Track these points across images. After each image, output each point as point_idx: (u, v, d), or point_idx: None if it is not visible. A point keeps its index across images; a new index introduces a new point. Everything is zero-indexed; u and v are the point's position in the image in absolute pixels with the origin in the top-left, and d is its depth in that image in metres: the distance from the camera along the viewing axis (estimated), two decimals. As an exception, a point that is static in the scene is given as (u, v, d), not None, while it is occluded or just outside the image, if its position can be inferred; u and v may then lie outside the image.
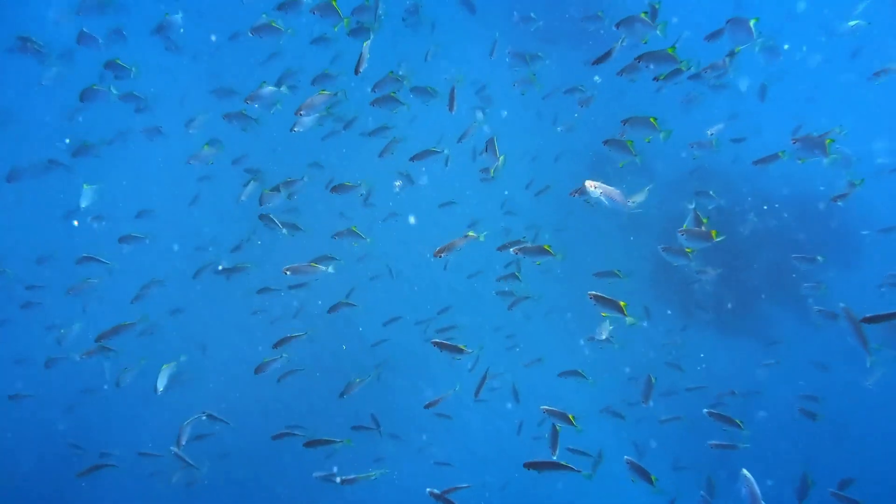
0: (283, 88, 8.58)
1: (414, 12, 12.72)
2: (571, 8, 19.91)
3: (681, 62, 6.98)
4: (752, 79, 17.71)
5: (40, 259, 13.48)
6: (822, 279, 14.04)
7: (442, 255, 6.81)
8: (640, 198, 7.11)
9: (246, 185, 11.70)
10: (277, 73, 12.15)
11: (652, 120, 6.75)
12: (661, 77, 7.33)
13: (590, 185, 6.26)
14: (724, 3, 21.25)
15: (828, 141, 6.78)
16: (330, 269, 8.36)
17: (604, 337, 8.29)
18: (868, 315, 5.11)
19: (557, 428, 7.23)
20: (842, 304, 6.86)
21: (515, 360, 16.72)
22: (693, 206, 6.41)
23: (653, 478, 6.59)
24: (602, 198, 6.24)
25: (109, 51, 11.09)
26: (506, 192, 16.16)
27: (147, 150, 16.39)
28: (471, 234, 7.13)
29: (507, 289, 11.93)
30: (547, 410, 7.92)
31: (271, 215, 9.12)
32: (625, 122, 6.92)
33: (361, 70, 7.12)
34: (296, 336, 8.67)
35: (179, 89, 17.68)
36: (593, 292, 6.34)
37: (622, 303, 6.23)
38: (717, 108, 19.83)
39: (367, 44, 7.17)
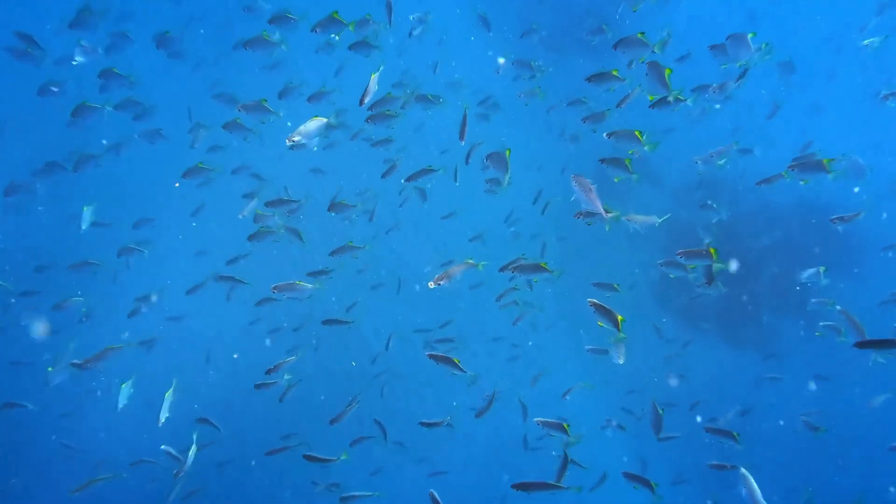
0: (278, 114, 8.52)
1: (422, 21, 12.61)
2: (578, 17, 19.87)
3: (674, 91, 7.12)
4: (763, 91, 17.61)
5: (39, 267, 13.47)
6: (829, 294, 13.92)
7: (440, 283, 6.73)
8: (651, 220, 7.05)
9: (247, 196, 11.66)
10: (283, 77, 12.09)
11: (637, 133, 6.87)
12: (653, 103, 7.46)
13: (574, 178, 6.29)
14: (736, 15, 21.23)
15: (826, 161, 6.85)
16: (318, 287, 8.30)
17: (621, 361, 8.19)
18: (859, 340, 5.14)
19: (568, 457, 7.23)
20: (838, 307, 6.85)
21: (519, 371, 16.64)
22: (708, 241, 6.36)
23: (653, 484, 6.86)
24: (577, 191, 6.27)
25: (109, 58, 11.05)
26: (511, 209, 16.02)
27: (149, 155, 16.41)
28: (469, 261, 7.10)
29: (512, 300, 11.82)
30: (541, 422, 7.97)
31: (264, 228, 9.11)
32: (609, 135, 7.05)
33: (367, 101, 7.15)
34: (287, 360, 8.60)
35: (182, 96, 17.71)
36: (593, 300, 6.26)
37: (620, 317, 6.13)
38: (727, 118, 19.76)
39: (375, 76, 7.17)
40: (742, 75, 7.90)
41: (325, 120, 6.95)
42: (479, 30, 20.13)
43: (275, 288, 8.07)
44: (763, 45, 7.38)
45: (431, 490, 6.64)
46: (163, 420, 7.42)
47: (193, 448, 7.85)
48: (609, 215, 6.46)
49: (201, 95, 14.72)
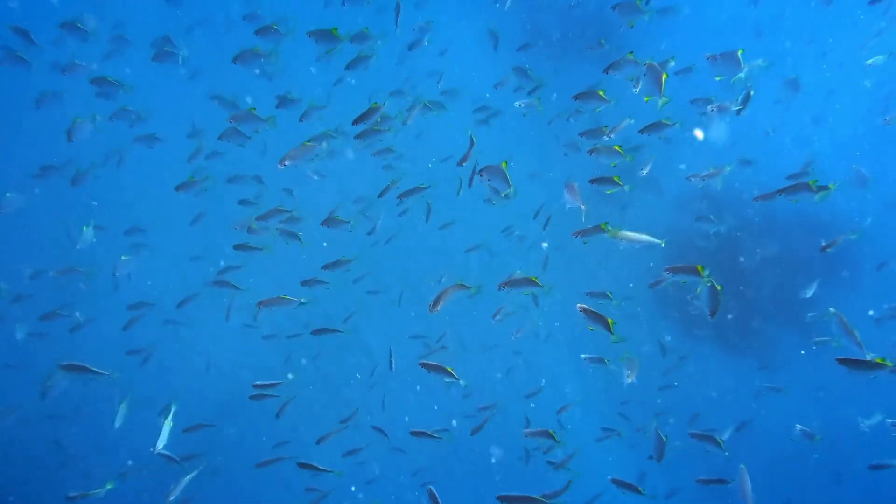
0: (270, 119, 8.53)
1: (425, 30, 12.54)
2: (582, 26, 19.87)
3: (664, 97, 7.44)
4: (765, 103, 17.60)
5: (34, 273, 13.46)
6: (826, 308, 13.86)
7: (437, 308, 6.75)
8: (643, 239, 7.09)
9: (243, 202, 11.65)
10: (283, 83, 11.97)
11: (616, 147, 7.30)
12: (643, 129, 7.82)
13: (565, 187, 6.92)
14: (743, 30, 21.22)
15: (812, 182, 7.14)
16: (302, 300, 8.31)
17: (631, 379, 8.30)
18: (842, 357, 5.22)
19: (570, 482, 7.33)
20: (832, 309, 6.92)
21: (519, 378, 16.59)
22: (708, 272, 6.42)
23: (641, 489, 7.07)
24: (567, 197, 6.97)
25: (108, 63, 10.98)
26: (512, 219, 15.97)
27: (148, 160, 16.40)
28: (464, 284, 7.18)
29: (510, 311, 11.81)
30: (528, 433, 8.22)
31: (249, 244, 9.17)
32: (590, 152, 7.47)
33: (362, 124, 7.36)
34: (277, 383, 8.57)
35: (182, 100, 17.69)
36: (582, 305, 6.30)
37: (610, 320, 6.22)
38: (728, 128, 19.73)
39: (378, 105, 7.33)
40: (746, 100, 8.06)
41: (315, 145, 7.04)
42: (482, 38, 20.17)
43: (260, 303, 8.06)
44: (759, 61, 7.52)
45: (430, 487, 6.62)
46: (160, 447, 7.40)
47: (193, 473, 7.83)
48: (584, 208, 6.98)
49: (201, 99, 14.72)
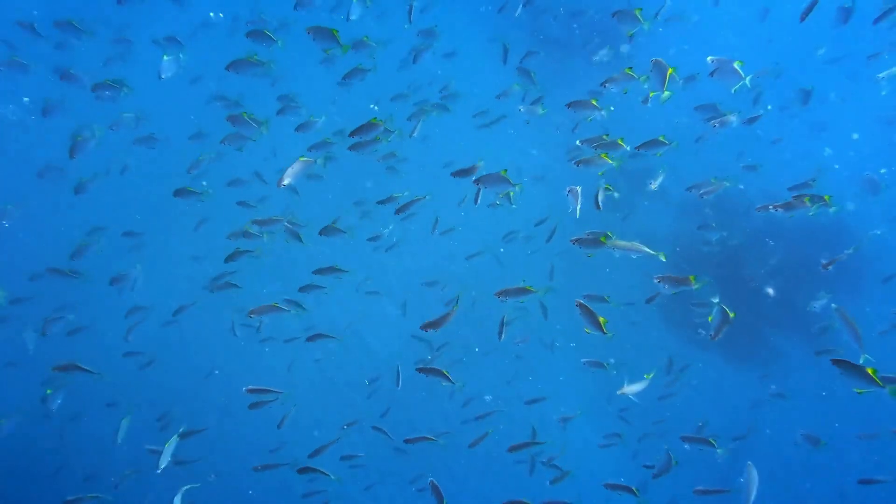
0: (264, 127, 8.55)
1: (433, 35, 12.48)
2: (587, 32, 19.86)
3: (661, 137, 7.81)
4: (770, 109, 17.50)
5: (33, 276, 13.46)
6: (831, 315, 13.80)
7: (437, 329, 6.75)
8: (635, 247, 7.11)
9: (240, 203, 11.66)
10: (286, 85, 11.94)
11: (603, 156, 7.47)
12: (640, 145, 7.97)
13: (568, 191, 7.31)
14: (752, 37, 21.18)
15: (806, 199, 7.24)
16: (294, 311, 8.32)
17: (632, 392, 8.37)
18: (836, 358, 5.22)
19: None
20: (834, 306, 6.98)
21: (521, 384, 16.53)
22: (718, 300, 6.43)
23: (635, 490, 7.24)
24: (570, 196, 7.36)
25: (112, 65, 10.91)
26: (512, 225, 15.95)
27: (150, 161, 16.40)
28: (455, 307, 7.24)
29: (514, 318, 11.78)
30: (514, 448, 8.61)
31: (240, 250, 9.18)
32: (578, 163, 7.64)
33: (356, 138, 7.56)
34: (272, 391, 8.53)
35: (184, 102, 17.71)
36: (580, 301, 6.40)
37: (602, 319, 6.33)
38: (732, 135, 19.67)
39: (378, 120, 7.49)
40: (754, 119, 8.12)
41: (311, 161, 7.11)
42: (486, 42, 20.14)
43: (252, 312, 8.05)
44: (768, 69, 7.55)
45: (432, 479, 6.64)
46: (162, 466, 7.41)
47: (187, 487, 7.83)
48: (577, 203, 7.31)
49: (205, 101, 14.72)
